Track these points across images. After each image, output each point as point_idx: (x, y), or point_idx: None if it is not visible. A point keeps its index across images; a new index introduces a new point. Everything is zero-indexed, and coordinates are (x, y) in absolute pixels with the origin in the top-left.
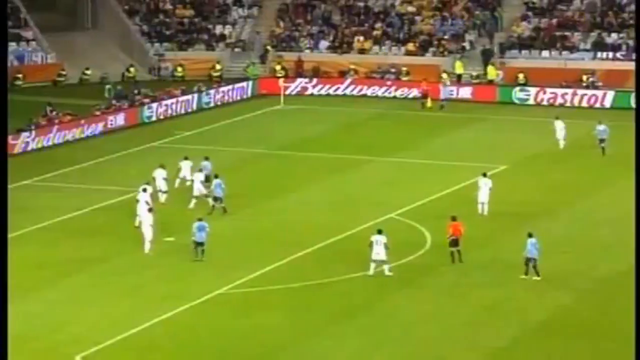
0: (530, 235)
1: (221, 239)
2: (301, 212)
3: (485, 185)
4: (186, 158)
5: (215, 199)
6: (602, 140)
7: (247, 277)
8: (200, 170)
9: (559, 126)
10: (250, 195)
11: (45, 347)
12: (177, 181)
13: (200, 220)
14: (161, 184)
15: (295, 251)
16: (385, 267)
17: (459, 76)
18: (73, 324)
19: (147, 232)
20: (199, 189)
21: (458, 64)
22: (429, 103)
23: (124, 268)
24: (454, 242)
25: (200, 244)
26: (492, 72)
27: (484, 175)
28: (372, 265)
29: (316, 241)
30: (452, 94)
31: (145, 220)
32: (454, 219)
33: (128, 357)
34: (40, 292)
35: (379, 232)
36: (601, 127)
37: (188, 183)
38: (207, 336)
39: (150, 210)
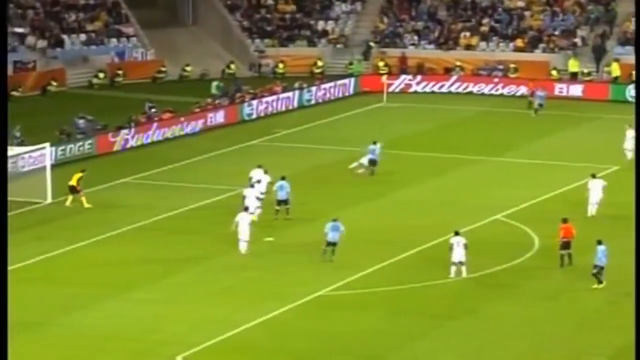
0: (599, 243)
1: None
2: (404, 213)
3: (596, 186)
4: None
5: (279, 202)
6: None
7: (348, 279)
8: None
9: (630, 135)
10: (354, 195)
11: (143, 347)
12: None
13: (334, 220)
14: (262, 188)
15: (398, 253)
16: (463, 269)
17: (574, 74)
18: (172, 324)
19: (244, 232)
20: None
21: (572, 61)
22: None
23: (223, 268)
24: (565, 245)
25: (333, 244)
26: (615, 69)
27: (593, 176)
28: (453, 268)
29: (419, 243)
30: (542, 100)
31: (244, 219)
32: (565, 221)
33: (227, 358)
34: (137, 292)
35: (457, 233)
36: None
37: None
38: (306, 339)
39: (246, 209)
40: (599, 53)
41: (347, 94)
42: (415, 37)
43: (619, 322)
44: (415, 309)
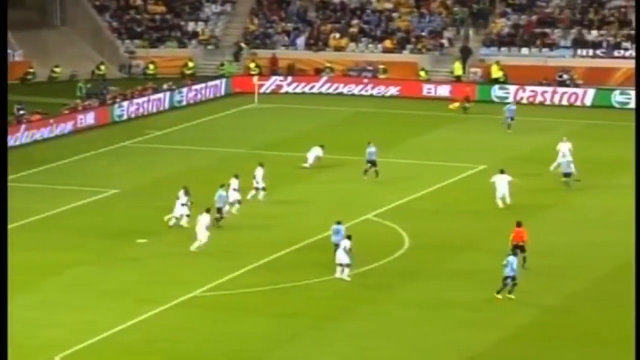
0: (514, 254)
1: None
2: (278, 213)
3: (502, 180)
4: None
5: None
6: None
7: (223, 279)
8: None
9: (564, 147)
10: None
11: (21, 352)
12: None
13: (339, 223)
14: (232, 195)
15: (274, 251)
16: (346, 271)
17: (458, 77)
18: (49, 327)
19: (202, 234)
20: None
21: (457, 65)
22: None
23: (99, 271)
24: (517, 249)
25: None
26: (495, 70)
27: (502, 172)
28: (338, 269)
29: (292, 243)
30: (513, 114)
31: (202, 221)
32: (518, 224)
33: None
34: (14, 297)
35: (349, 237)
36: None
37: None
38: (181, 340)
39: (208, 211)
40: (465, 54)
41: (218, 95)
42: (286, 38)
43: (493, 318)
44: (291, 310)
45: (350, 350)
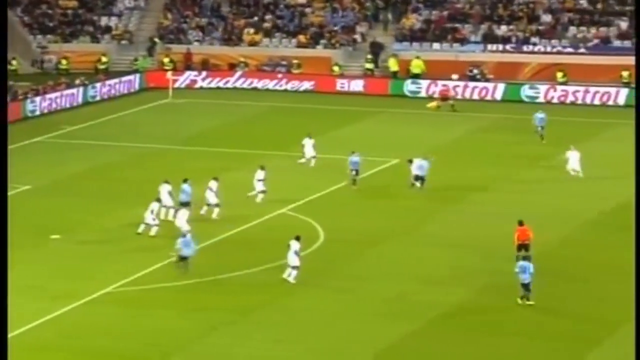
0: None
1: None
2: (196, 207)
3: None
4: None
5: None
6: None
7: (134, 276)
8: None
9: (573, 156)
10: (141, 192)
11: None
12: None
13: (184, 236)
14: (166, 200)
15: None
16: (293, 273)
17: (394, 73)
18: None
19: (183, 225)
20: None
21: (392, 61)
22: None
23: (13, 266)
24: (521, 248)
25: (185, 258)
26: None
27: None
28: (288, 270)
29: (209, 237)
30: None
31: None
32: (520, 223)
33: (17, 356)
34: None
35: (297, 238)
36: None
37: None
38: (98, 335)
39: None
40: (376, 49)
41: (132, 90)
42: (200, 33)
43: (412, 309)
44: (210, 303)
45: (265, 345)
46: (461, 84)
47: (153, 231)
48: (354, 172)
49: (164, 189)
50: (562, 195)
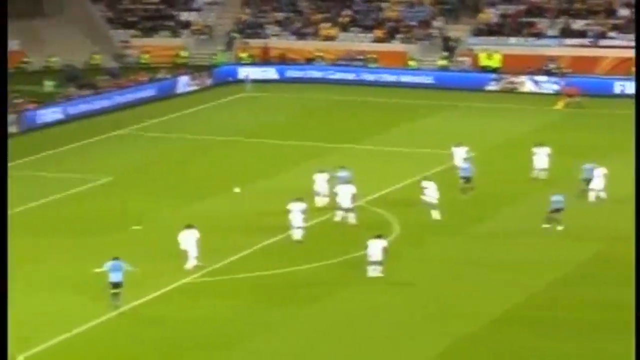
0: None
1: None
2: (268, 200)
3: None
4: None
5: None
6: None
7: (211, 268)
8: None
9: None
10: (219, 184)
11: None
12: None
13: (115, 259)
14: (323, 188)
15: (261, 240)
16: (378, 268)
17: (495, 70)
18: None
19: (191, 248)
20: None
21: (483, 55)
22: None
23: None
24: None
25: (117, 284)
26: (495, 60)
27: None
28: (370, 267)
29: (280, 231)
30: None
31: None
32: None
33: (86, 350)
34: None
35: (378, 236)
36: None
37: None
38: (164, 328)
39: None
40: (451, 43)
41: (210, 84)
42: (277, 28)
43: (474, 306)
44: (282, 295)
45: (329, 338)
46: (539, 77)
47: (298, 234)
48: (462, 180)
49: (321, 179)
50: None
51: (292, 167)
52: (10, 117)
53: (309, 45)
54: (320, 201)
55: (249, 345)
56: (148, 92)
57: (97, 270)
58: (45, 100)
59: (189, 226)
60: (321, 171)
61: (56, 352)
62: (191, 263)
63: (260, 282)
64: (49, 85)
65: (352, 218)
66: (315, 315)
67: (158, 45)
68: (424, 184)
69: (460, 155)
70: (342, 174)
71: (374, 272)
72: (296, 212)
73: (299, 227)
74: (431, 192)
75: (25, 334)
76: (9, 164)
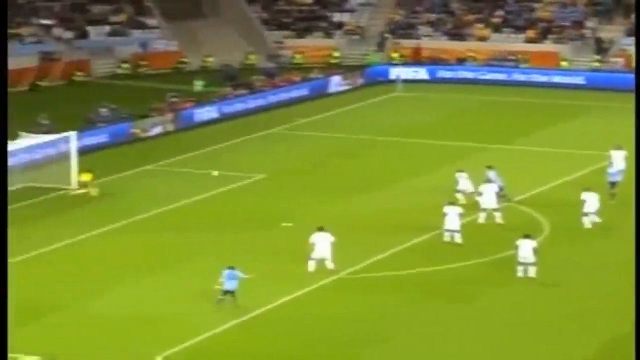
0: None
1: (338, 224)
2: (417, 198)
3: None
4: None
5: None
6: None
7: (361, 265)
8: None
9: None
10: (366, 182)
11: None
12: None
13: (231, 268)
14: (467, 186)
15: (410, 238)
16: (531, 269)
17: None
18: (153, 322)
19: (325, 251)
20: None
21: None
22: None
23: (250, 252)
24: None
25: (231, 292)
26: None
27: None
28: (520, 267)
29: (431, 229)
30: None
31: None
32: None
33: (244, 341)
34: (151, 277)
35: (526, 236)
36: None
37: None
38: (312, 323)
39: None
40: (603, 44)
41: (362, 84)
42: (429, 29)
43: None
44: (429, 293)
45: (479, 335)
46: None
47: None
48: (610, 185)
49: (462, 178)
50: None
51: (442, 166)
52: (168, 116)
53: (461, 46)
54: (463, 199)
55: (406, 339)
56: (301, 91)
57: (217, 286)
58: (201, 100)
59: (320, 229)
60: (460, 170)
61: (206, 347)
62: (329, 266)
63: (411, 280)
64: (198, 84)
65: (498, 217)
66: (470, 314)
67: (311, 46)
68: (584, 196)
69: (619, 158)
70: (490, 173)
71: (523, 272)
72: (452, 215)
73: (456, 230)
74: (592, 203)
75: (168, 333)
76: (168, 161)
